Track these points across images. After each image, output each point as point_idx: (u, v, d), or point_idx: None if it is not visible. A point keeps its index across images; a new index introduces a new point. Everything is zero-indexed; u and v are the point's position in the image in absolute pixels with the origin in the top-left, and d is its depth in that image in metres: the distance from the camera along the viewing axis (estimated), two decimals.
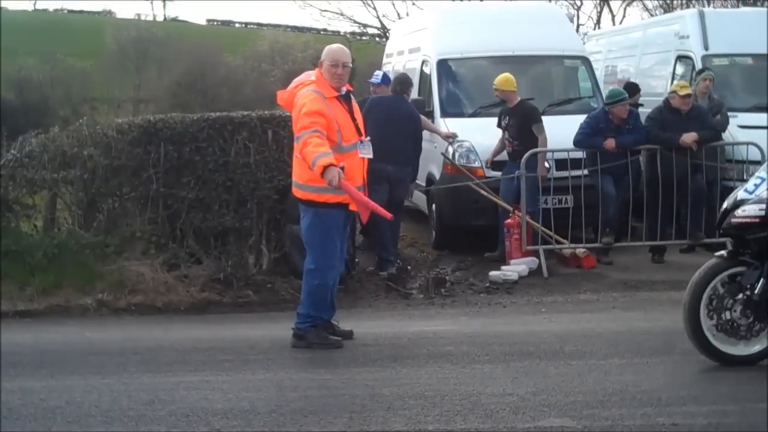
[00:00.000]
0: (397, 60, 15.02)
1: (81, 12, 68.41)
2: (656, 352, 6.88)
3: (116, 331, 8.11)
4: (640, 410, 5.60)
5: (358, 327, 7.66)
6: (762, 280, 6.31)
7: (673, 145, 10.18)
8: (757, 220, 6.31)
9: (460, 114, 11.95)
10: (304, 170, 7.02)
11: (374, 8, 36.31)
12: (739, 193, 6.60)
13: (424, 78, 12.79)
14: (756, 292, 6.32)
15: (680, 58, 13.21)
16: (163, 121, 9.83)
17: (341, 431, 5.37)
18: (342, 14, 35.75)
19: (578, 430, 5.32)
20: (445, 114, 11.83)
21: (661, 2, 33.93)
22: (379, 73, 11.42)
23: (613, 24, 33.94)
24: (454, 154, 11.11)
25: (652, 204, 10.30)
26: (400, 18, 30.49)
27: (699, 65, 12.33)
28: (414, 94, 12.64)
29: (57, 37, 42.74)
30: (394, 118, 10.20)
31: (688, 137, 10.16)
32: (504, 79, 10.66)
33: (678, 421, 5.39)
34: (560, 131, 10.52)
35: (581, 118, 10.70)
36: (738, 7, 28.77)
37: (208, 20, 71.73)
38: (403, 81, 10.99)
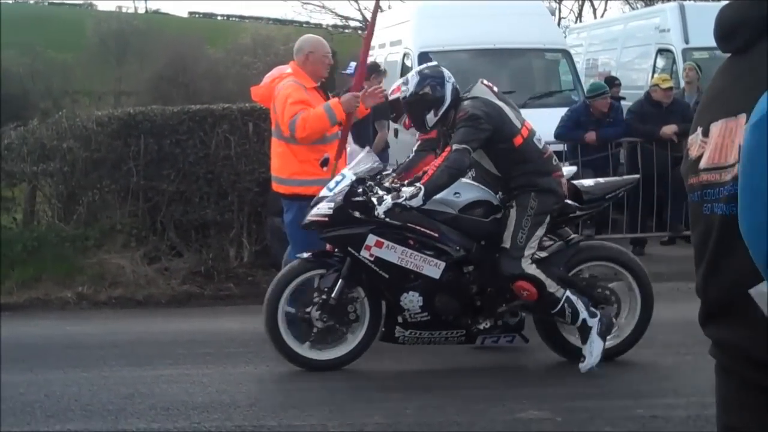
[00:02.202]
0: (378, 53, 14.99)
1: (62, 4, 68.06)
2: (643, 345, 6.83)
3: (96, 325, 8.08)
4: (620, 402, 5.62)
5: None
6: (340, 282, 6.14)
7: (653, 137, 10.21)
8: (326, 219, 6.09)
9: None
10: (287, 164, 6.98)
11: (356, 1, 36.22)
12: (322, 191, 6.35)
13: (406, 71, 12.72)
14: (333, 296, 6.14)
15: (661, 51, 13.26)
16: (144, 113, 9.79)
17: (321, 424, 5.38)
18: (324, 7, 35.84)
19: (557, 422, 5.34)
20: None
21: None
22: (353, 64, 11.39)
23: (595, 17, 34.03)
24: None
25: (633, 196, 10.31)
26: (381, 11, 30.44)
27: (679, 58, 12.36)
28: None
29: (37, 30, 42.42)
30: None
31: (668, 129, 10.18)
32: None
33: (658, 413, 5.41)
34: (541, 124, 10.44)
35: (562, 111, 10.70)
36: (718, 0, 28.86)
37: (190, 13, 71.56)
38: None
